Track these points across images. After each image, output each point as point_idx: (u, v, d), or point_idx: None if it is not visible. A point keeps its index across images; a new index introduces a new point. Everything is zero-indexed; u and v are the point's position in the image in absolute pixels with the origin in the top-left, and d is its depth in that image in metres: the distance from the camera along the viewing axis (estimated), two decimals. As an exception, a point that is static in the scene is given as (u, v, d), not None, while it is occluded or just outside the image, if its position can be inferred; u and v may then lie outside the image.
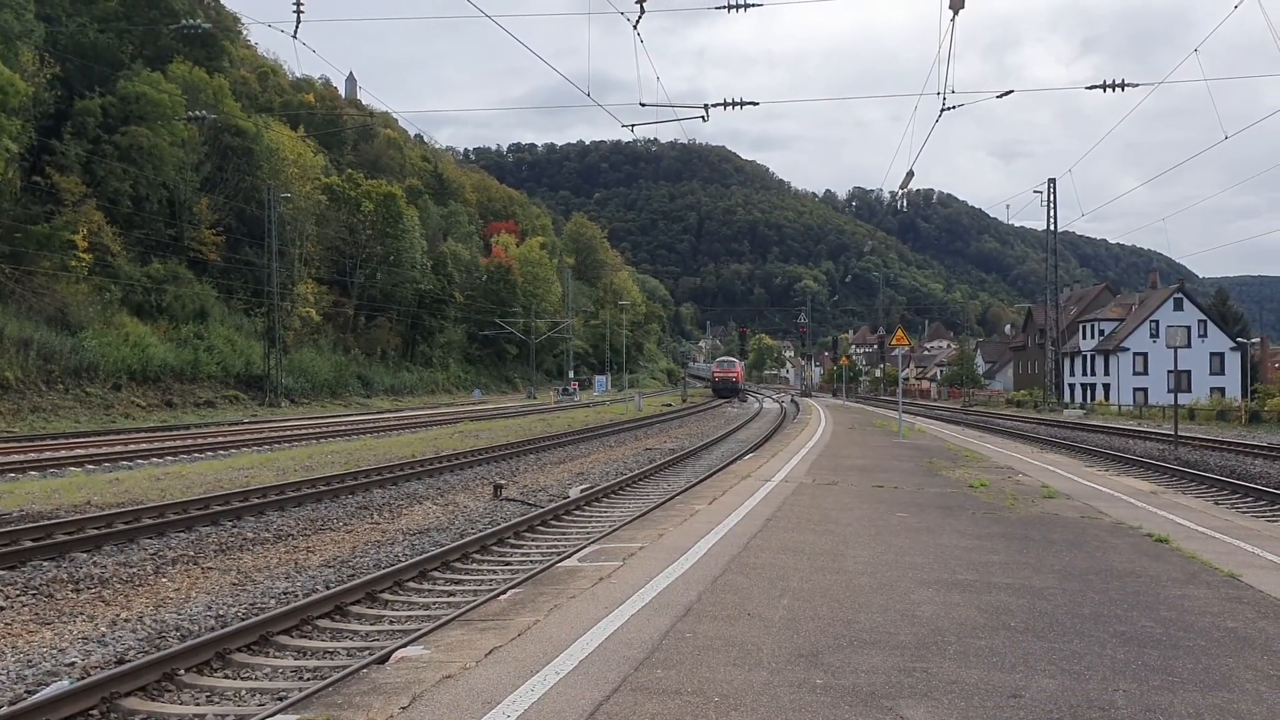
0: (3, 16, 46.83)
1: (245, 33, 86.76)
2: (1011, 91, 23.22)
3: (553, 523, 15.47)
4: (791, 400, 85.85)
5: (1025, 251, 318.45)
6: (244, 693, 7.42)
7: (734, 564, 9.05)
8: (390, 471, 21.38)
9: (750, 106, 22.33)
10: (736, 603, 7.51)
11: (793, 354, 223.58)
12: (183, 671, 7.63)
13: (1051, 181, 63.65)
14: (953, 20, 18.92)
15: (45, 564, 11.53)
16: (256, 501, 16.34)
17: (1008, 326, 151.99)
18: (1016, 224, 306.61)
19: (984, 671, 5.80)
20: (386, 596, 10.39)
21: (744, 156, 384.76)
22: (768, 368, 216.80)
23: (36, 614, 9.41)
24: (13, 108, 42.43)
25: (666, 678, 5.58)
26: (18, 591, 10.21)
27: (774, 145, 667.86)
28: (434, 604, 10.25)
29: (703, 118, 21.67)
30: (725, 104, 21.24)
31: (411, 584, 10.99)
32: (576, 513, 16.59)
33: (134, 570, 11.34)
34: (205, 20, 55.04)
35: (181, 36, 58.67)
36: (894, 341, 32.39)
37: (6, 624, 9.01)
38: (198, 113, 46.15)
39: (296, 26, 18.56)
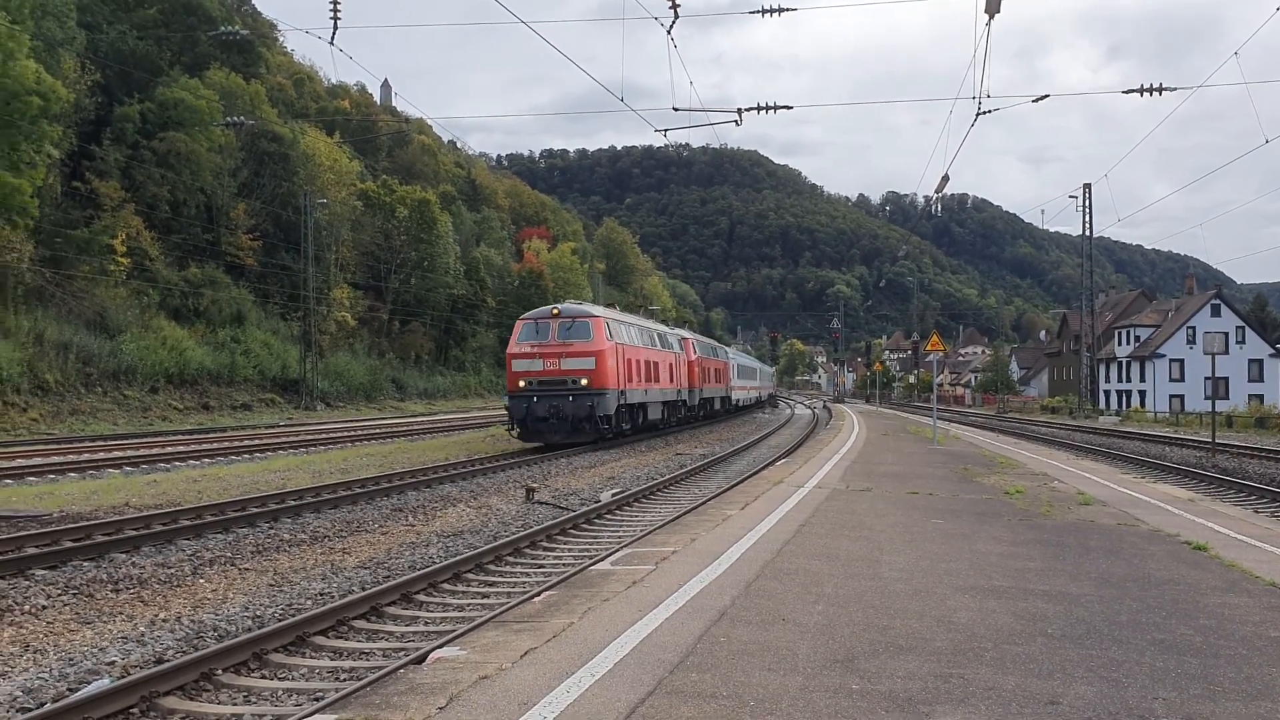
0: (45, 25, 47.49)
1: (281, 39, 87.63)
2: (1047, 96, 23.02)
3: (585, 526, 15.48)
4: (824, 406, 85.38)
5: (1060, 257, 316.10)
6: (281, 693, 7.48)
7: (768, 569, 9.04)
8: (424, 474, 21.49)
9: (781, 110, 22.31)
10: (771, 608, 7.50)
11: (825, 359, 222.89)
12: (220, 671, 7.70)
13: (1087, 187, 63.13)
14: (988, 24, 18.82)
15: (85, 564, 11.67)
16: (293, 503, 16.47)
17: (1042, 332, 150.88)
18: (1051, 229, 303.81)
19: (1021, 678, 5.77)
20: (422, 598, 10.45)
21: (775, 161, 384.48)
22: (799, 373, 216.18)
23: (77, 613, 9.53)
24: (54, 114, 42.98)
25: (701, 681, 5.59)
26: (59, 591, 10.34)
27: (802, 150, 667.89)
28: (469, 605, 10.29)
29: (736, 121, 21.66)
30: (759, 108, 21.23)
31: (446, 585, 11.04)
32: (608, 517, 16.60)
33: (172, 571, 11.46)
34: (242, 27, 55.62)
35: (219, 43, 59.32)
36: (928, 347, 32.18)
37: (48, 623, 9.13)
38: (235, 118, 46.59)
39: (334, 32, 18.73)
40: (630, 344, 32.30)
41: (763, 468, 23.86)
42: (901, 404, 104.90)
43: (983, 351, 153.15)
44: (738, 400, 62.73)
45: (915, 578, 8.79)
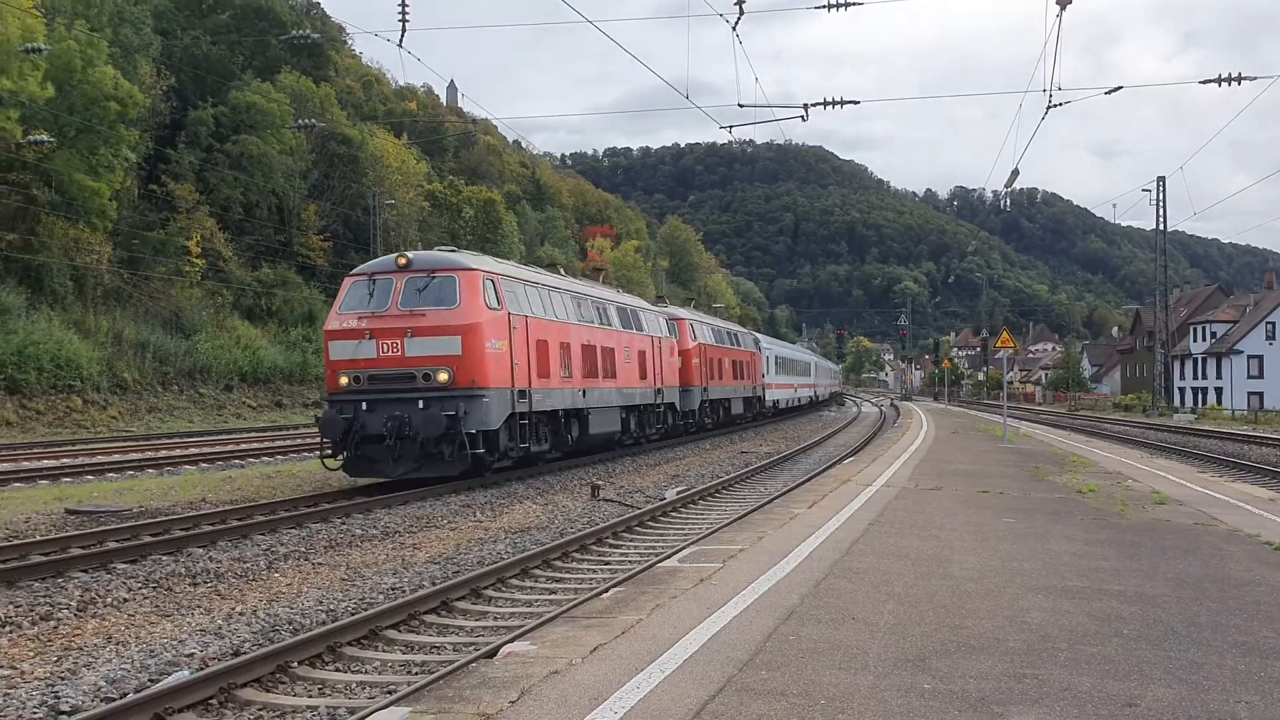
0: (123, 31, 48.73)
1: (350, 42, 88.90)
2: (1120, 88, 22.64)
3: (650, 524, 15.51)
4: (891, 404, 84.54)
5: (1133, 252, 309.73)
6: (355, 685, 7.60)
7: (836, 568, 8.99)
8: (491, 471, 21.63)
9: (847, 106, 22.13)
10: (840, 606, 7.46)
11: (892, 357, 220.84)
12: (295, 664, 7.83)
13: (1160, 180, 61.74)
14: (1059, 15, 18.53)
15: (164, 558, 11.95)
16: (363, 500, 16.70)
17: (1114, 329, 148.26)
18: (1123, 224, 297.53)
19: (1096, 679, 5.67)
20: (490, 593, 10.55)
21: (841, 157, 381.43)
22: (866, 371, 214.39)
23: (157, 606, 9.75)
24: (132, 119, 44.10)
25: (771, 679, 5.58)
26: (139, 584, 10.60)
27: (868, 146, 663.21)
28: (537, 601, 10.37)
29: (802, 117, 21.58)
30: (825, 103, 21.11)
31: (514, 581, 11.14)
32: (674, 514, 16.61)
33: (247, 565, 11.69)
34: (312, 30, 56.53)
35: (289, 47, 60.32)
36: (998, 344, 31.76)
37: (129, 615, 9.36)
38: (305, 121, 47.44)
39: (402, 35, 18.99)
40: (545, 318, 21.55)
41: (829, 466, 23.73)
42: (970, 402, 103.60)
43: (1053, 348, 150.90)
44: (776, 401, 51.55)
45: (987, 577, 8.69)
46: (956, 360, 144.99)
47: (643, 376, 28.11)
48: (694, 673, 5.68)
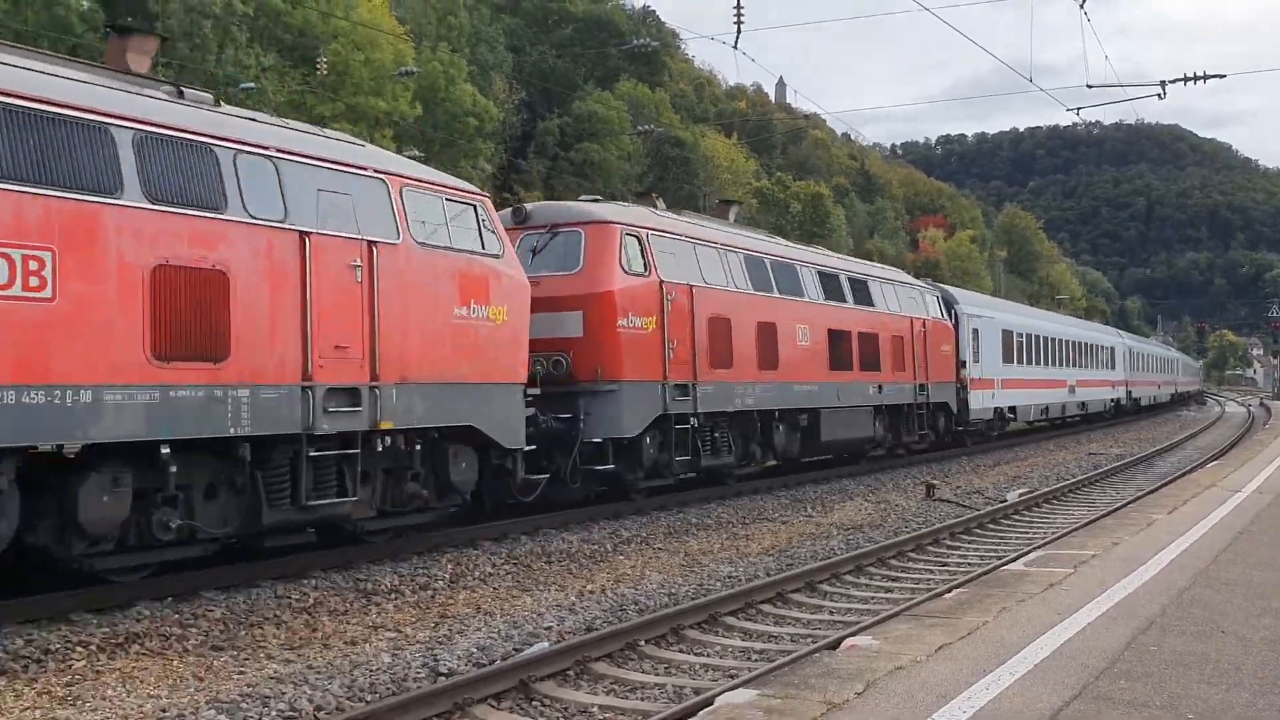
0: (479, 50, 52.72)
1: (683, 47, 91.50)
2: None
3: (990, 526, 15.03)
4: (1260, 403, 76.75)
5: None
6: (698, 667, 7.89)
7: (1201, 578, 8.39)
8: (818, 468, 21.64)
9: (1209, 80, 20.36)
10: (1207, 618, 6.97)
11: (1261, 352, 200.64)
12: (643, 643, 8.22)
13: None
14: None
15: (523, 538, 12.87)
16: (700, 490, 17.22)
17: None
18: None
19: None
20: (825, 587, 10.63)
21: (1200, 135, 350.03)
22: (1231, 367, 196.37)
23: (517, 581, 10.55)
24: (488, 132, 47.62)
25: (1131, 689, 5.32)
26: (502, 561, 11.49)
27: (1232, 121, 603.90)
28: (872, 598, 10.35)
29: (1158, 95, 20.10)
30: (1185, 79, 19.59)
31: (849, 577, 11.16)
32: (1015, 517, 16.01)
33: (595, 547, 12.39)
34: (649, 38, 58.73)
35: (627, 55, 62.93)
36: (1394, 337, 28.12)
37: (494, 589, 10.18)
38: (642, 127, 49.39)
39: (737, 37, 19.41)
40: None
41: (1189, 470, 22.00)
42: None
43: None
44: (1006, 411, 29.81)
45: (1383, 596, 7.81)
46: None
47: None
48: (1046, 677, 5.50)
